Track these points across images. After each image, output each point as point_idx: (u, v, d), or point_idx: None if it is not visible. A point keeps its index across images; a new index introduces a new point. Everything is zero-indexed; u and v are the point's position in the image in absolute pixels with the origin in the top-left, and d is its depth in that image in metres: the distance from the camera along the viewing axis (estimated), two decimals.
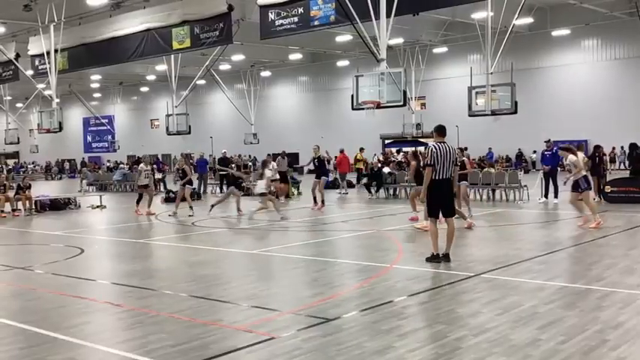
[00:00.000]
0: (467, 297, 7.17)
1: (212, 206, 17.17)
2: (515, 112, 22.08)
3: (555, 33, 36.33)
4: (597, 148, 19.25)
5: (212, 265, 9.98)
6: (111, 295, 7.90)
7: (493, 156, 38.92)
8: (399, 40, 35.63)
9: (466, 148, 20.03)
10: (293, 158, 23.20)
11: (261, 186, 15.82)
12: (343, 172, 25.52)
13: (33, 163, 59.43)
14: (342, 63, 44.71)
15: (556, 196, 17.95)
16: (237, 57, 39.93)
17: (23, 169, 53.92)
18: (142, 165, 18.74)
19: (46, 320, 6.59)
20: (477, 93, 22.66)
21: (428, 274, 8.56)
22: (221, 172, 26.62)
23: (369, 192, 22.21)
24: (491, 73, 22.49)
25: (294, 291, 7.96)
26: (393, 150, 43.62)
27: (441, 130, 9.35)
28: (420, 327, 6.03)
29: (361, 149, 29.67)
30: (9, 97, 46.92)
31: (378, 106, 17.12)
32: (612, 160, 35.22)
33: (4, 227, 16.21)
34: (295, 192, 23.46)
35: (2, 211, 18.45)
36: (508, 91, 21.98)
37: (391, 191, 22.26)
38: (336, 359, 5.17)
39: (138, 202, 18.37)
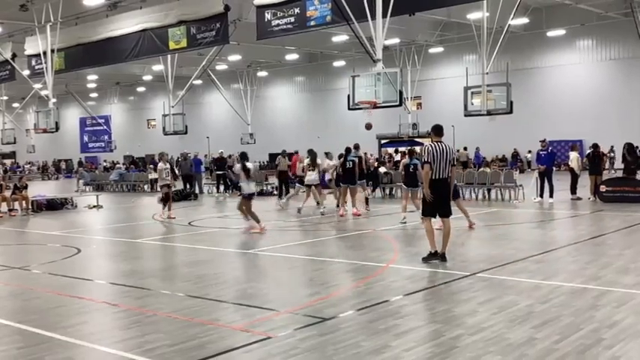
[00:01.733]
0: (463, 296, 7.20)
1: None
2: (511, 112, 22.14)
3: (551, 33, 36.43)
4: (596, 147, 19.25)
5: (209, 264, 9.99)
6: (108, 295, 7.90)
7: (480, 157, 37.28)
8: (395, 41, 35.69)
9: (465, 148, 20.12)
10: (289, 158, 23.15)
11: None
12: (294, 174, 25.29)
13: (30, 164, 59.29)
14: (339, 63, 44.76)
15: (551, 196, 18.01)
16: (234, 57, 39.93)
17: (20, 170, 53.79)
18: (160, 164, 17.04)
19: (43, 320, 6.59)
20: (472, 93, 22.72)
21: (424, 273, 8.59)
22: (218, 172, 26.61)
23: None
24: (487, 73, 22.55)
25: (291, 291, 7.98)
26: (390, 150, 43.67)
27: (437, 130, 9.36)
28: (416, 326, 6.05)
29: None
30: (5, 97, 46.76)
31: (375, 106, 17.15)
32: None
33: (1, 227, 16.20)
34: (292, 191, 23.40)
35: None
36: (504, 91, 22.05)
37: (387, 191, 22.29)
38: (332, 359, 5.19)
39: (165, 203, 16.58)
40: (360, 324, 6.18)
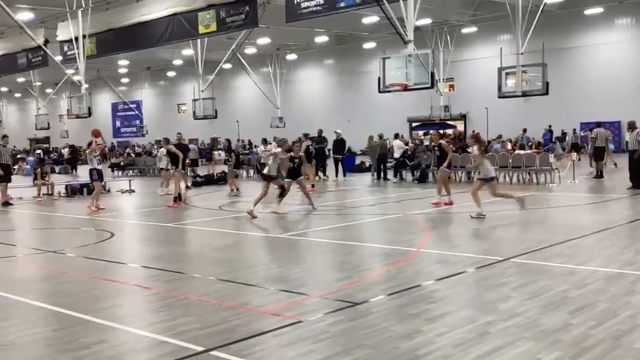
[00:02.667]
0: (496, 281, 7.09)
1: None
2: (547, 93, 21.69)
3: (588, 11, 35.46)
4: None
5: (239, 248, 10.03)
6: (140, 278, 7.99)
7: (547, 139, 35.65)
8: (427, 21, 35.13)
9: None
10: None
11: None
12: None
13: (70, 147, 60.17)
14: (369, 45, 44.31)
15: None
16: (263, 40, 39.86)
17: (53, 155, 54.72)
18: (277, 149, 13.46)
19: (77, 303, 6.69)
20: (507, 74, 22.33)
21: (456, 258, 8.48)
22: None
23: (396, 177, 22.06)
24: (522, 54, 22.10)
25: (321, 275, 7.96)
26: (420, 133, 43.28)
27: None
28: (448, 311, 5.97)
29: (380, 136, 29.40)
30: (39, 83, 47.70)
31: (406, 88, 16.96)
32: None
33: (36, 211, 16.55)
34: (321, 175, 23.38)
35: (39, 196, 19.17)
36: (539, 71, 21.62)
37: (417, 174, 22.02)
38: (363, 343, 5.15)
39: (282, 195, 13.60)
40: (391, 309, 6.13)
